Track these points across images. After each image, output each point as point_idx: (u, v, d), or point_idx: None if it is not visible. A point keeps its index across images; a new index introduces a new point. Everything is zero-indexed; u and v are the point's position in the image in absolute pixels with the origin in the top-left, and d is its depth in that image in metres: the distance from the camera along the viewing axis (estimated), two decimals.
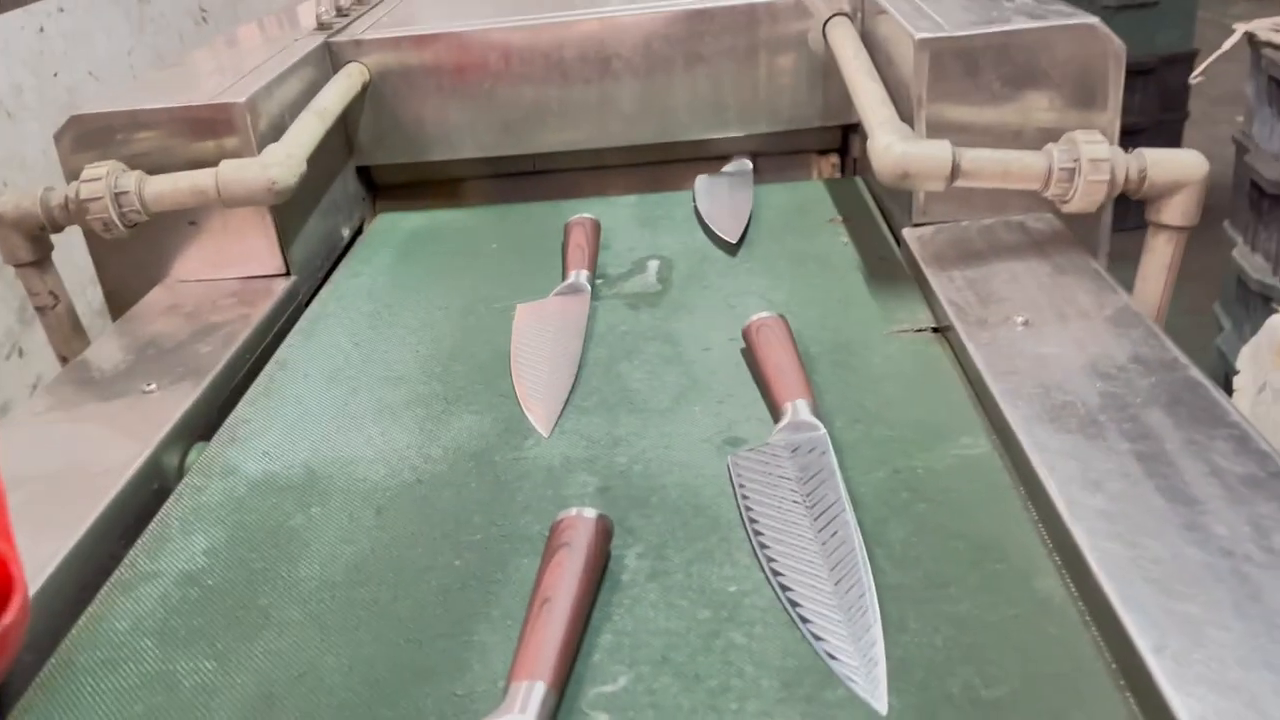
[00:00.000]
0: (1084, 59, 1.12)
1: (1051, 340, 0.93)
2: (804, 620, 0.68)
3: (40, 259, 1.18)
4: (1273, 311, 2.14)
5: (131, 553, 0.82)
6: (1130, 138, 3.48)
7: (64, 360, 1.23)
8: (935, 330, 1.04)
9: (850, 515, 0.76)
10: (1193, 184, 1.06)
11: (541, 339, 1.08)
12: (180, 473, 0.94)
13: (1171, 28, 3.96)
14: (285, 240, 1.25)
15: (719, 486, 0.84)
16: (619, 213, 1.39)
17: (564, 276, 1.19)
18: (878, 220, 1.30)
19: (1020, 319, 0.97)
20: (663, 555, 0.77)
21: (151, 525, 0.85)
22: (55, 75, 2.48)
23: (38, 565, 0.76)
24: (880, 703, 0.62)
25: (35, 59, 2.41)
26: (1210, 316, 2.86)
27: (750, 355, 1.00)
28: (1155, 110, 3.97)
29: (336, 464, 0.92)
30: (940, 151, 1.03)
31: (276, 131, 1.23)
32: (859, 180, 1.45)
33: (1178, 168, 1.05)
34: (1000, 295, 1.02)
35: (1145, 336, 0.92)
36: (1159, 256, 1.10)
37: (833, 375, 0.98)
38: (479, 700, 0.66)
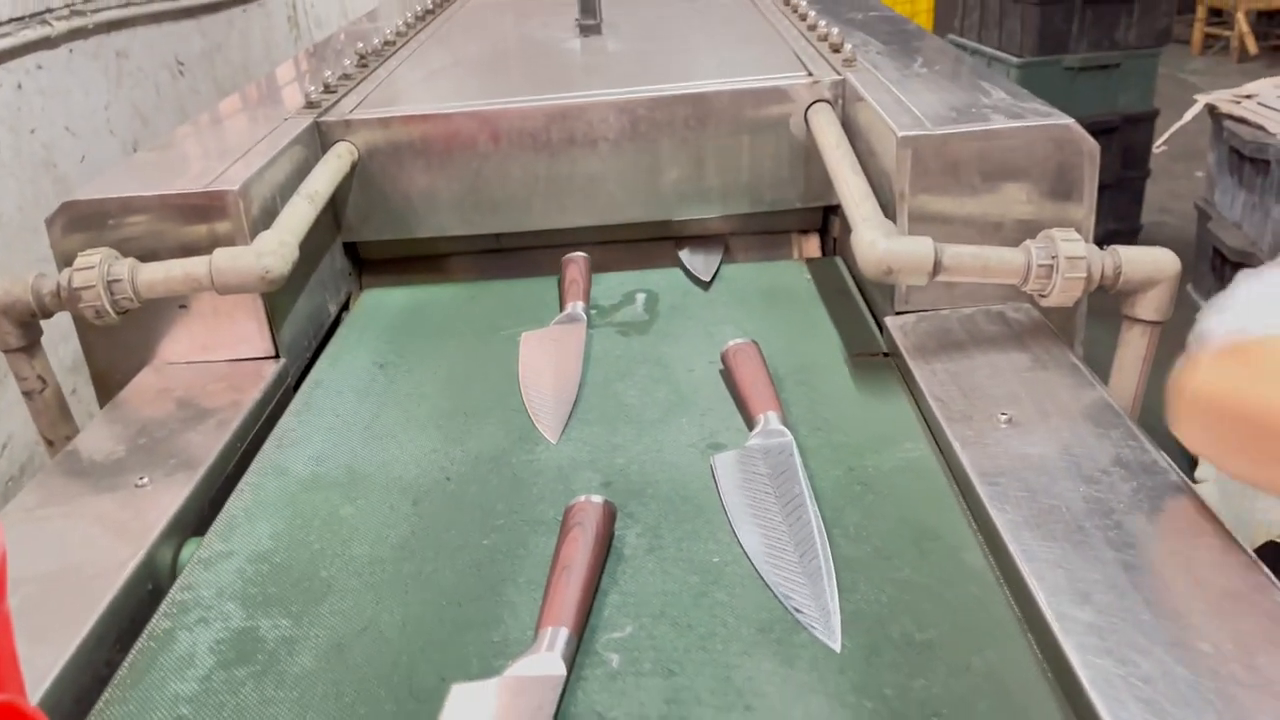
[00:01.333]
0: (1060, 157, 1.16)
1: (1035, 439, 0.96)
2: (775, 584, 0.84)
3: (29, 344, 1.17)
4: None
5: (207, 535, 0.97)
6: None
7: (49, 443, 1.22)
8: (885, 355, 1.21)
9: (811, 504, 0.92)
10: (1166, 280, 1.10)
11: (545, 362, 1.22)
12: (174, 571, 0.94)
13: (1132, 88, 4.07)
14: (275, 322, 1.26)
15: (704, 482, 1.00)
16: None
17: (562, 308, 1.33)
18: (859, 304, 1.33)
19: (1004, 416, 0.99)
20: (658, 535, 0.92)
21: (220, 514, 1.00)
22: (32, 132, 2.47)
23: (37, 676, 0.76)
24: (835, 644, 0.78)
25: (13, 115, 2.41)
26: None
27: (727, 375, 1.15)
28: (1118, 168, 4.07)
29: (374, 465, 1.06)
30: (923, 249, 1.06)
31: (268, 216, 1.24)
32: (839, 260, 1.48)
33: (1151, 265, 1.09)
34: (982, 389, 1.05)
35: (1125, 437, 0.95)
36: (1134, 349, 1.13)
37: (797, 392, 1.14)
38: (512, 645, 0.81)
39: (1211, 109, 2.53)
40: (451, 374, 1.24)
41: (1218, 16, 7.75)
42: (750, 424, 1.06)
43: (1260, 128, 2.31)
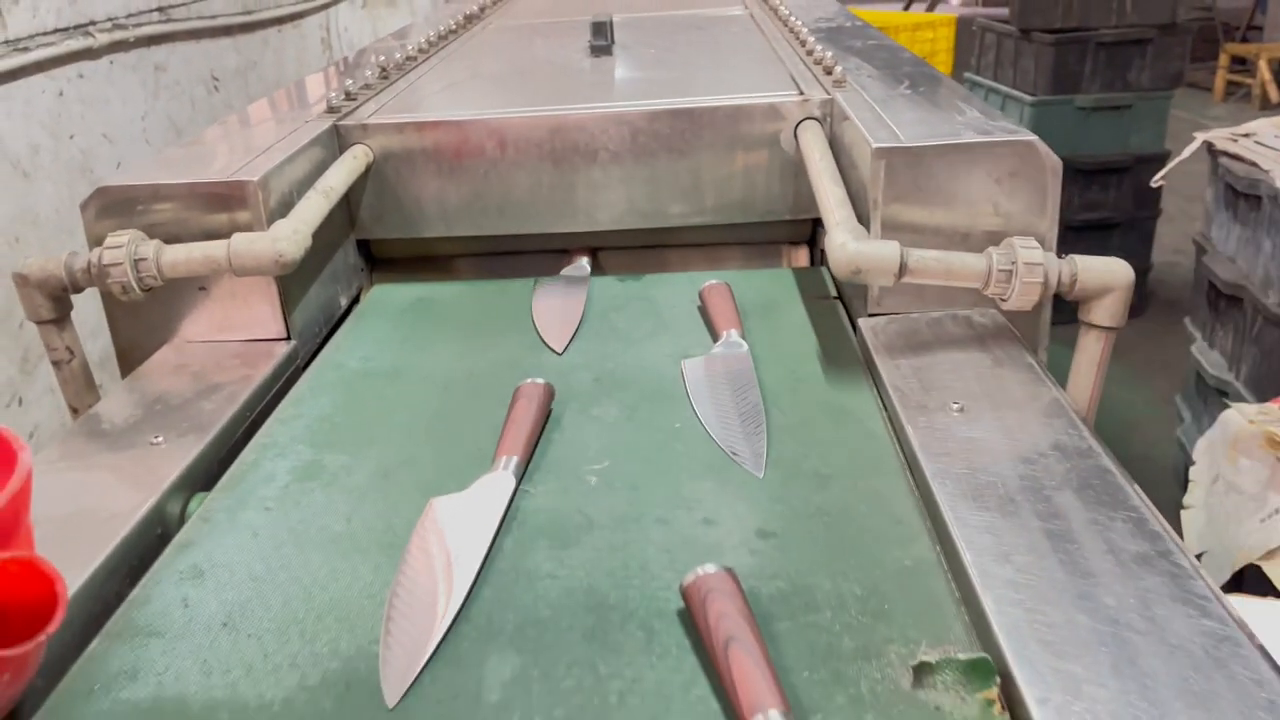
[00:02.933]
0: (1025, 172, 1.23)
1: (982, 426, 1.02)
2: (719, 438, 1.10)
3: (60, 317, 1.27)
4: (1227, 406, 2.24)
5: (281, 402, 1.23)
6: (1105, 233, 3.72)
7: (75, 412, 1.31)
8: (837, 298, 1.44)
9: (756, 389, 1.17)
10: (1120, 289, 1.16)
11: (554, 298, 1.47)
12: (182, 520, 1.02)
13: (1145, 130, 4.13)
14: (287, 307, 1.34)
15: (674, 379, 1.24)
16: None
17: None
18: (838, 307, 1.41)
19: (956, 406, 1.06)
20: (634, 410, 1.17)
21: (290, 392, 1.27)
22: (71, 138, 2.60)
23: None
24: (760, 473, 1.03)
25: (53, 121, 2.53)
26: (1175, 407, 2.97)
27: (702, 308, 1.40)
28: (1129, 207, 4.13)
29: (412, 366, 1.31)
30: (889, 251, 1.14)
31: (285, 207, 1.33)
32: (825, 270, 1.55)
33: (1106, 273, 1.16)
34: (941, 384, 1.12)
35: (1067, 426, 1.01)
36: (1089, 354, 1.20)
37: (760, 321, 1.38)
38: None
39: (1210, 146, 2.60)
40: (475, 316, 1.47)
41: (1240, 64, 7.81)
42: (715, 340, 1.30)
43: (1254, 164, 2.38)
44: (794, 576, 0.87)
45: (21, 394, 2.36)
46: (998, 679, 0.73)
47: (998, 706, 0.71)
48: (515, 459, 1.03)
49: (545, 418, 1.14)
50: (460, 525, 0.95)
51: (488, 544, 0.93)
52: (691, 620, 0.81)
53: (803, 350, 1.29)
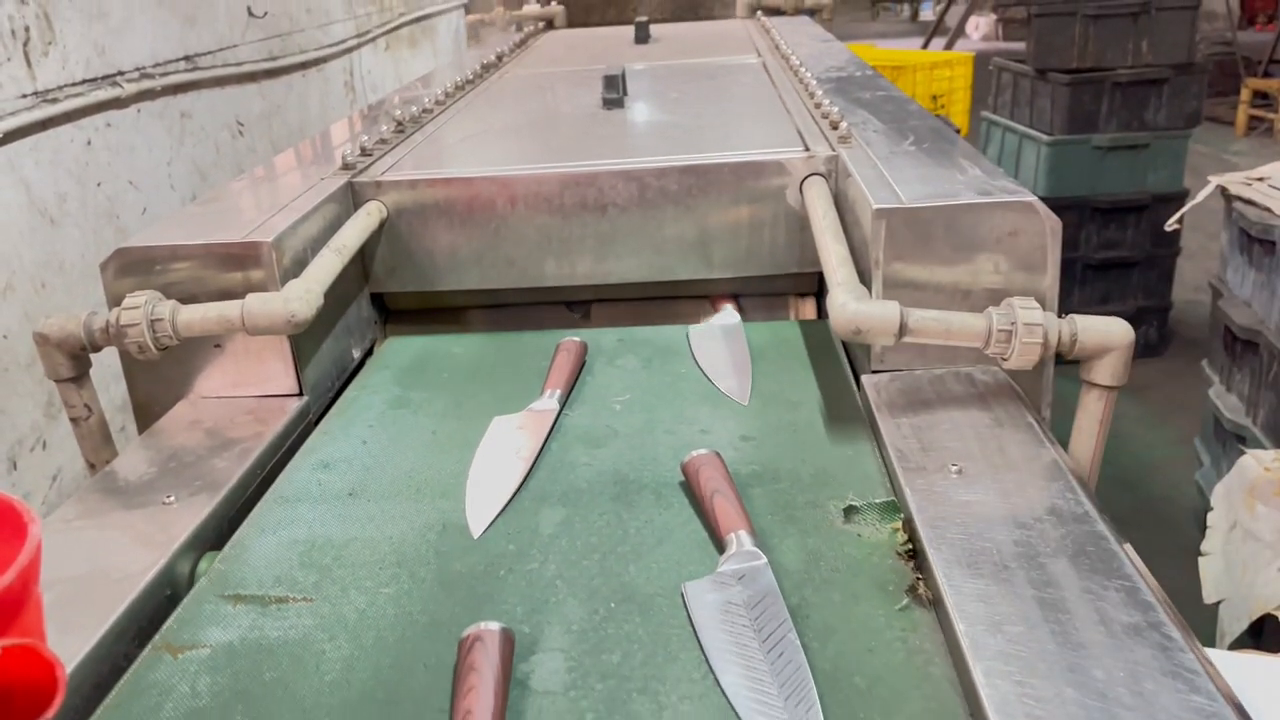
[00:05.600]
0: (1025, 232, 1.24)
1: (979, 489, 1.03)
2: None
3: (79, 375, 1.30)
4: (1244, 452, 2.23)
5: (323, 421, 1.37)
6: (1124, 271, 3.72)
7: (92, 467, 1.34)
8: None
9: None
10: (1119, 348, 1.17)
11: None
12: (192, 580, 1.04)
13: (1162, 168, 4.13)
14: (300, 363, 1.37)
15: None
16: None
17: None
18: (842, 361, 1.42)
19: (955, 468, 1.07)
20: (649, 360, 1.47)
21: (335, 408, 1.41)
22: (98, 185, 2.65)
23: None
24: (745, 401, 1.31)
25: (80, 169, 2.59)
26: (1194, 449, 2.95)
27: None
28: (1148, 246, 4.11)
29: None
30: (889, 312, 1.15)
31: (299, 265, 1.37)
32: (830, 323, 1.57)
33: (1105, 333, 1.17)
34: (941, 444, 1.13)
35: (1064, 490, 1.02)
36: (1091, 413, 1.20)
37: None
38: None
39: (1224, 190, 2.60)
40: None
41: (1262, 99, 7.79)
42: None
43: (1268, 209, 2.38)
44: (765, 463, 1.18)
45: (46, 438, 2.40)
46: (901, 515, 1.04)
47: (901, 536, 1.02)
48: (559, 391, 1.32)
49: (580, 366, 1.42)
50: (519, 432, 1.26)
51: (540, 443, 1.23)
52: (689, 487, 1.12)
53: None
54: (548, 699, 0.85)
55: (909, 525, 1.02)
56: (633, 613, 0.95)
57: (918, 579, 0.95)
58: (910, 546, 1.00)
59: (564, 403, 1.33)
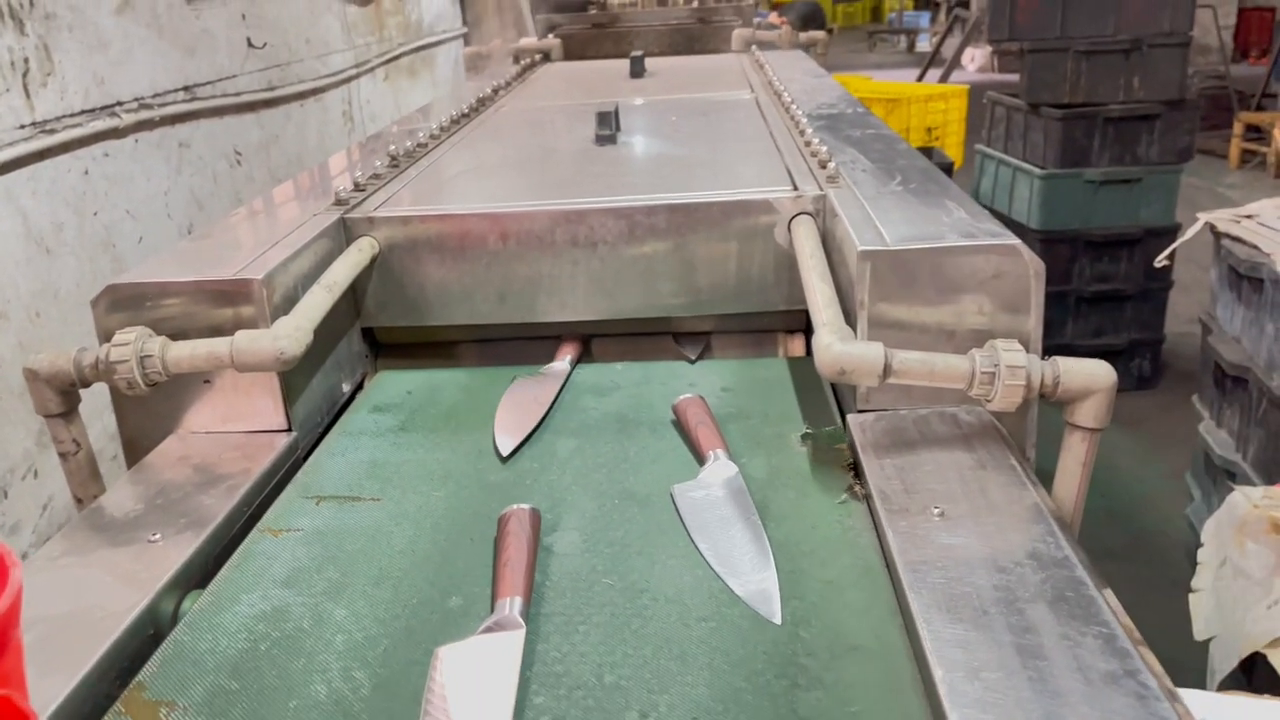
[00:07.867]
0: (1009, 274, 1.26)
1: (961, 532, 1.04)
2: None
3: (68, 411, 1.30)
4: (1233, 488, 2.23)
5: (346, 412, 1.52)
6: (1117, 304, 3.73)
7: (79, 501, 1.34)
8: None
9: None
10: (1101, 391, 1.18)
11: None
12: (175, 619, 1.04)
13: (1154, 202, 4.15)
14: (289, 398, 1.38)
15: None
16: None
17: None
18: (829, 400, 1.43)
19: (937, 510, 1.08)
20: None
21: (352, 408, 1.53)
22: (95, 214, 2.67)
23: (42, 703, 0.86)
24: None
25: (78, 198, 2.60)
26: (1185, 483, 2.95)
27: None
28: (1140, 279, 4.13)
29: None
30: (873, 353, 1.16)
31: (290, 301, 1.37)
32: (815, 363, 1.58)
33: (1088, 376, 1.18)
34: (924, 486, 1.13)
35: (1045, 534, 1.03)
36: (1074, 454, 1.21)
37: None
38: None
39: (1212, 227, 2.62)
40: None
41: (1256, 132, 7.85)
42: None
43: (1255, 247, 2.39)
44: (741, 406, 1.44)
45: (38, 466, 2.40)
46: (846, 438, 1.29)
47: (846, 456, 1.27)
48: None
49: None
50: (526, 392, 1.49)
51: (554, 394, 1.49)
52: (678, 424, 1.38)
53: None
54: (567, 559, 1.12)
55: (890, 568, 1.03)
56: (632, 506, 1.22)
57: (854, 484, 1.22)
58: (850, 461, 1.26)
59: (570, 372, 1.57)
